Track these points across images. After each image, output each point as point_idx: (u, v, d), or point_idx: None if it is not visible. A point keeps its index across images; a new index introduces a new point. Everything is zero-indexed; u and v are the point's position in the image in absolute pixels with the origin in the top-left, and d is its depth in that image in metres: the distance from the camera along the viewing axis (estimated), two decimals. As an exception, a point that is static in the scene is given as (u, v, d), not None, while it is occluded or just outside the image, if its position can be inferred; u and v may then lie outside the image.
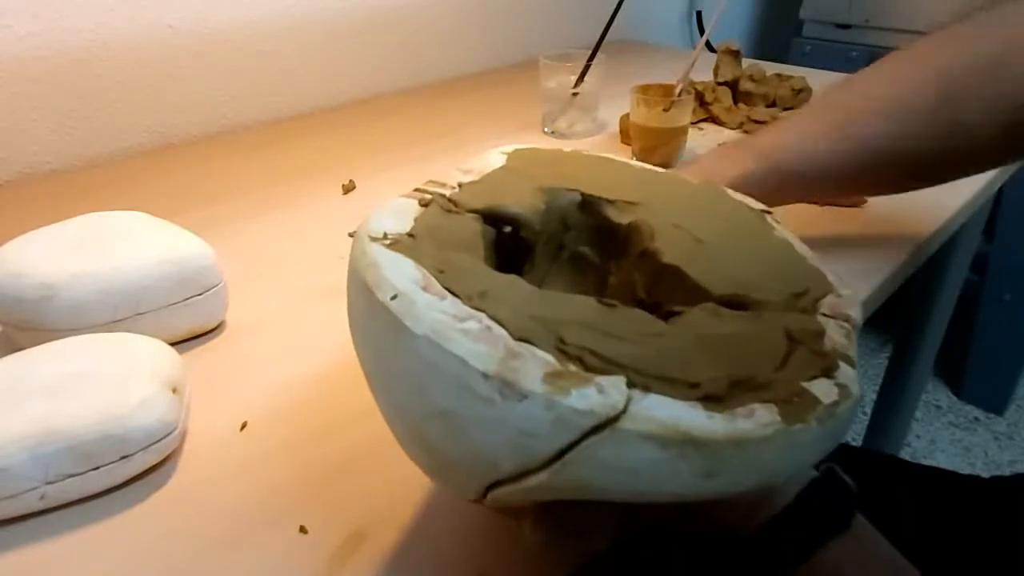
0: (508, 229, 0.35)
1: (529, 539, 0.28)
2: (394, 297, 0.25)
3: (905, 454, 1.46)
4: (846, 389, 0.25)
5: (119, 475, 0.36)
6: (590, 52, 0.84)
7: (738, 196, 0.39)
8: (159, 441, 0.36)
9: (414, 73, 1.09)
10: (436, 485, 0.33)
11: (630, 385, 0.23)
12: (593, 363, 0.23)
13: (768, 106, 0.89)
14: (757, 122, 0.85)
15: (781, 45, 1.59)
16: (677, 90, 0.75)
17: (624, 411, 0.22)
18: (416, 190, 0.35)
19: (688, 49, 1.41)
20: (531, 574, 0.32)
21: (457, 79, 1.13)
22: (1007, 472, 1.21)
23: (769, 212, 0.38)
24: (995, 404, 1.58)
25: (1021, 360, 1.51)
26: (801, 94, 0.89)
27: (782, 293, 0.30)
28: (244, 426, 0.41)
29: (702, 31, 1.58)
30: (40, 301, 0.42)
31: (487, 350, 0.23)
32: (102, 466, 0.35)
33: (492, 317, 0.24)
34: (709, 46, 1.09)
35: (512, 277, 0.28)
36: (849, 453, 0.32)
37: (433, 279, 0.26)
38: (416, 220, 0.32)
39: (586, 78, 0.83)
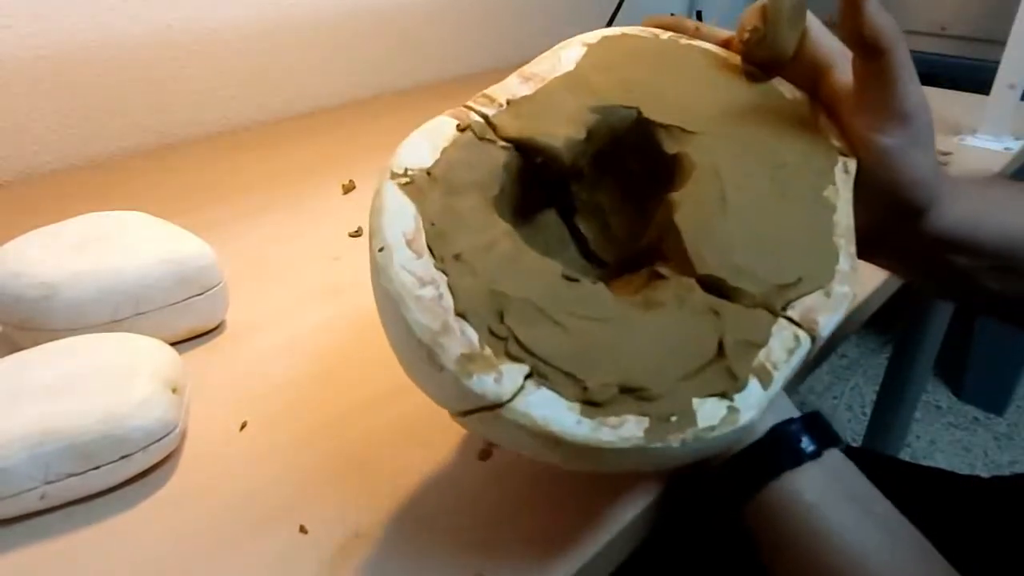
0: (539, 160, 0.35)
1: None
2: (381, 249, 0.29)
3: (905, 454, 1.46)
4: (735, 414, 0.27)
5: (119, 475, 0.36)
6: (590, 52, 0.84)
7: (828, 126, 0.36)
8: (159, 441, 0.36)
9: (414, 73, 1.09)
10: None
11: (530, 375, 0.27)
12: (513, 350, 0.27)
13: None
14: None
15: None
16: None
17: (508, 402, 0.26)
18: (465, 106, 0.35)
19: (688, 49, 1.40)
20: (530, 575, 0.32)
21: (457, 79, 1.13)
22: (1007, 472, 1.21)
23: (847, 155, 0.35)
24: (995, 404, 1.58)
25: (1021, 360, 1.51)
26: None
27: (767, 283, 0.30)
28: (244, 426, 0.41)
29: (702, 31, 1.58)
30: (40, 301, 0.42)
31: (427, 322, 0.27)
32: (102, 466, 0.35)
33: (451, 285, 0.28)
34: (709, 46, 1.09)
35: (501, 231, 0.31)
36: (849, 453, 0.33)
37: (422, 233, 0.30)
38: (443, 152, 0.33)
39: (586, 78, 0.83)
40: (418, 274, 0.28)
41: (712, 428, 0.26)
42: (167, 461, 0.38)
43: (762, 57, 0.37)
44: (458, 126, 0.34)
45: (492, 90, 0.37)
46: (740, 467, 0.32)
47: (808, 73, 0.38)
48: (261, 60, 0.91)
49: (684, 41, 0.40)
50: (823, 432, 0.32)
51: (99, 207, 0.52)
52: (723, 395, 0.27)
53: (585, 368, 0.27)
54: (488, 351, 0.27)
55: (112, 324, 0.44)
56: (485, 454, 0.38)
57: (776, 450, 0.31)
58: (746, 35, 0.37)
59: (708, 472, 0.33)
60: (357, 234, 0.62)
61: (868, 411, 1.53)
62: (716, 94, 0.37)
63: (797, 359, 0.29)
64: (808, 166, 0.35)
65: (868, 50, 0.33)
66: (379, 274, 0.29)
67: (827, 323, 0.30)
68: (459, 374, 0.26)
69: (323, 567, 0.32)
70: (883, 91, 0.33)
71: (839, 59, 0.37)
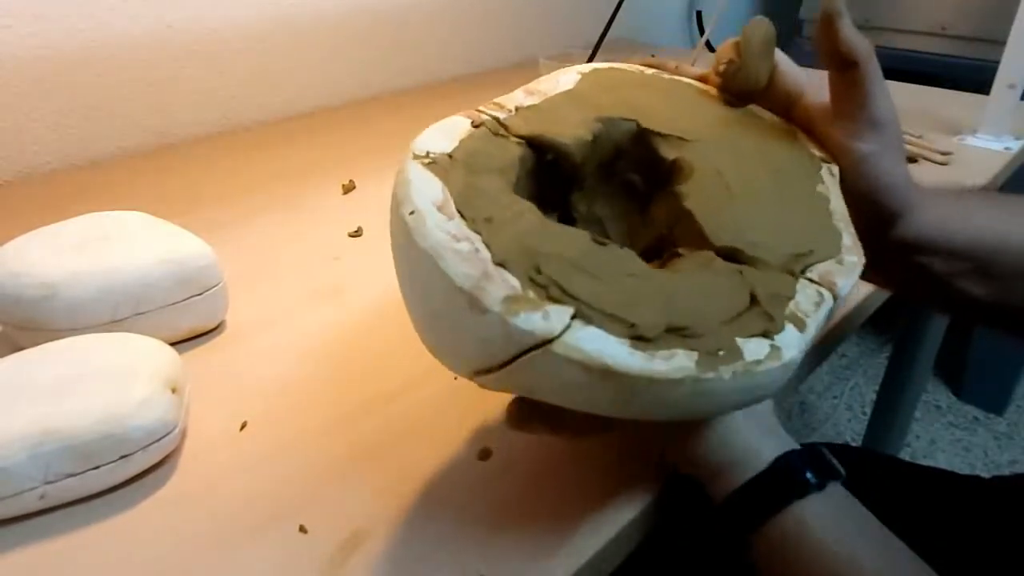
0: (550, 157, 0.36)
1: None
2: (412, 213, 0.29)
3: (905, 454, 1.46)
4: (778, 351, 0.28)
5: (119, 475, 0.36)
6: (590, 52, 0.84)
7: (807, 141, 0.39)
8: (159, 441, 0.36)
9: (414, 73, 1.09)
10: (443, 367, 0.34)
11: (576, 316, 0.26)
12: (555, 294, 0.27)
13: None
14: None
15: (781, 45, 1.58)
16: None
17: (559, 337, 0.26)
18: (476, 110, 0.37)
19: (688, 49, 1.41)
20: (530, 575, 0.32)
21: (457, 79, 1.13)
22: (1007, 472, 1.21)
23: (829, 162, 0.38)
24: (995, 404, 1.58)
25: (1021, 360, 1.51)
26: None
27: (782, 253, 0.32)
28: (244, 426, 0.41)
29: (702, 31, 1.58)
30: (40, 301, 0.42)
31: (467, 270, 0.27)
32: (102, 466, 0.35)
33: (485, 242, 0.28)
34: (709, 46, 1.09)
35: (526, 206, 0.31)
36: (849, 453, 0.33)
37: (450, 200, 0.30)
38: (461, 142, 0.34)
39: (586, 78, 0.83)
40: (452, 232, 0.28)
41: (759, 362, 0.27)
42: (167, 461, 0.38)
43: (738, 87, 0.40)
44: (472, 123, 0.36)
45: (500, 99, 0.38)
46: (746, 498, 0.32)
47: (781, 100, 0.41)
48: (261, 60, 0.91)
49: (667, 76, 0.43)
50: (824, 464, 0.33)
51: (99, 207, 0.52)
52: (764, 334, 0.28)
53: (628, 311, 0.27)
54: (531, 294, 0.27)
55: (112, 324, 0.44)
56: (485, 454, 0.38)
57: (781, 481, 0.32)
58: (722, 67, 0.41)
59: (714, 504, 0.33)
60: (357, 234, 0.63)
61: (868, 411, 1.53)
62: (705, 114, 0.40)
63: (823, 313, 0.30)
64: (798, 169, 0.37)
65: (844, 63, 0.36)
66: (411, 235, 0.28)
67: (845, 284, 0.31)
68: (505, 314, 0.26)
69: (323, 567, 0.32)
70: (858, 100, 0.36)
71: (808, 86, 0.40)
